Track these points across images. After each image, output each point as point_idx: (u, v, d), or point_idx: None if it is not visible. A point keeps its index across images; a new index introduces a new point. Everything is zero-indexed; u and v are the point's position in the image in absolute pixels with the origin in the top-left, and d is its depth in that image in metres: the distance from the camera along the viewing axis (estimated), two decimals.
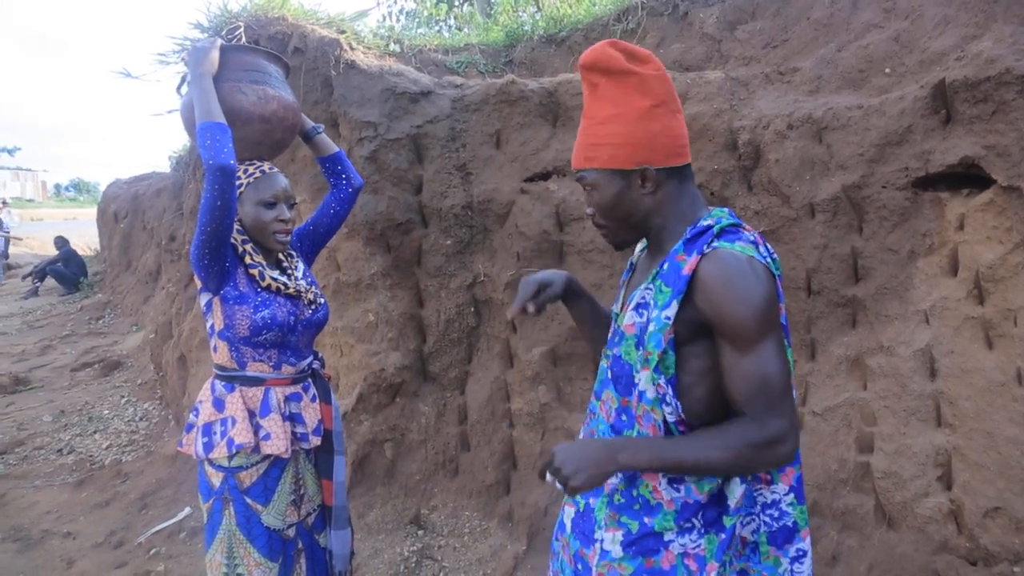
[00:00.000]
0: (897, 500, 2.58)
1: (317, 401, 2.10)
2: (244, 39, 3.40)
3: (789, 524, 1.46)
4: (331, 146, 2.28)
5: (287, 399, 2.01)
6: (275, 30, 3.53)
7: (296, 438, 2.01)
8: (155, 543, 3.65)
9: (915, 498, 2.54)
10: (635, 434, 1.46)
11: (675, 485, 1.42)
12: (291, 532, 2.03)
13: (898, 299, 2.71)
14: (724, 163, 3.07)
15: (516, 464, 3.56)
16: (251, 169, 2.01)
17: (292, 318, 1.99)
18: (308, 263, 2.26)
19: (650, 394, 1.43)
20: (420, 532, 3.45)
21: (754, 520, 1.48)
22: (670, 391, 1.40)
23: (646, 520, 1.44)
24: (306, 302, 2.05)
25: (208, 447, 1.92)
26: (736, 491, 1.41)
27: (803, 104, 2.94)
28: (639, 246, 1.69)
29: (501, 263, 3.50)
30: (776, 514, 1.46)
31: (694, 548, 1.41)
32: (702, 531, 1.41)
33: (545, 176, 3.48)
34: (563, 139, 3.47)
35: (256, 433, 1.92)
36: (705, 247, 1.37)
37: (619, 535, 1.46)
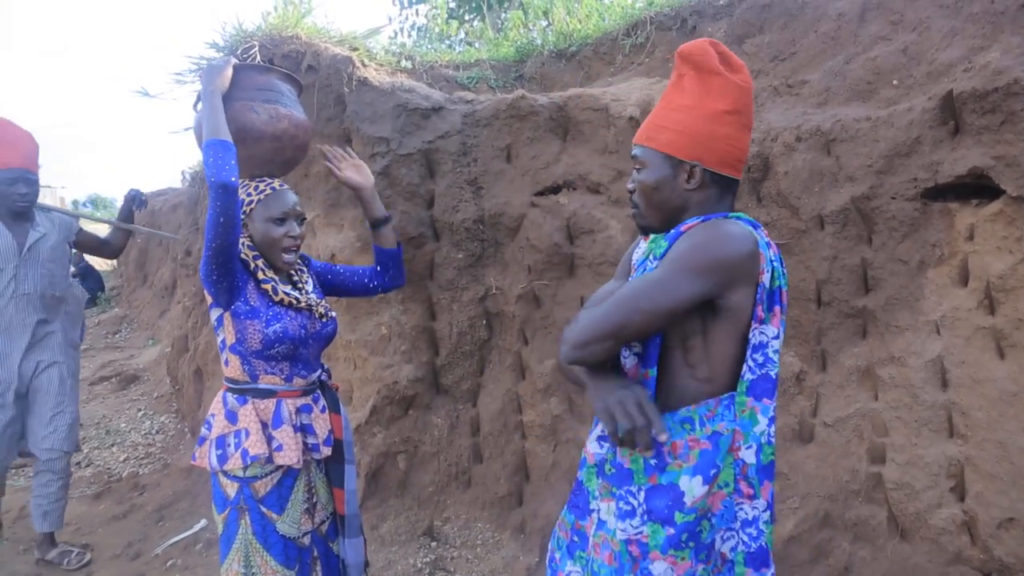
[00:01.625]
0: (910, 511, 2.58)
1: (327, 412, 2.13)
2: (259, 58, 3.46)
3: (763, 545, 1.44)
4: (392, 241, 2.31)
5: (298, 410, 2.04)
6: (289, 48, 3.59)
7: (307, 448, 2.04)
8: (172, 555, 3.69)
9: (928, 509, 2.54)
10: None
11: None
12: (306, 540, 2.06)
13: (908, 310, 2.71)
14: None
15: (528, 476, 3.57)
16: (261, 186, 2.05)
17: (303, 331, 2.02)
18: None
19: (636, 350, 1.49)
20: (433, 544, 3.47)
21: (733, 536, 1.45)
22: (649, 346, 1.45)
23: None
24: (317, 315, 2.08)
25: (223, 459, 1.95)
26: (695, 488, 1.38)
27: (811, 116, 2.95)
28: (640, 251, 1.72)
29: (512, 276, 3.53)
30: (755, 533, 1.43)
31: (636, 534, 1.40)
32: (644, 518, 1.40)
33: (556, 190, 3.51)
34: (573, 153, 3.50)
35: (269, 444, 1.95)
36: (714, 217, 1.43)
37: (612, 505, 1.47)
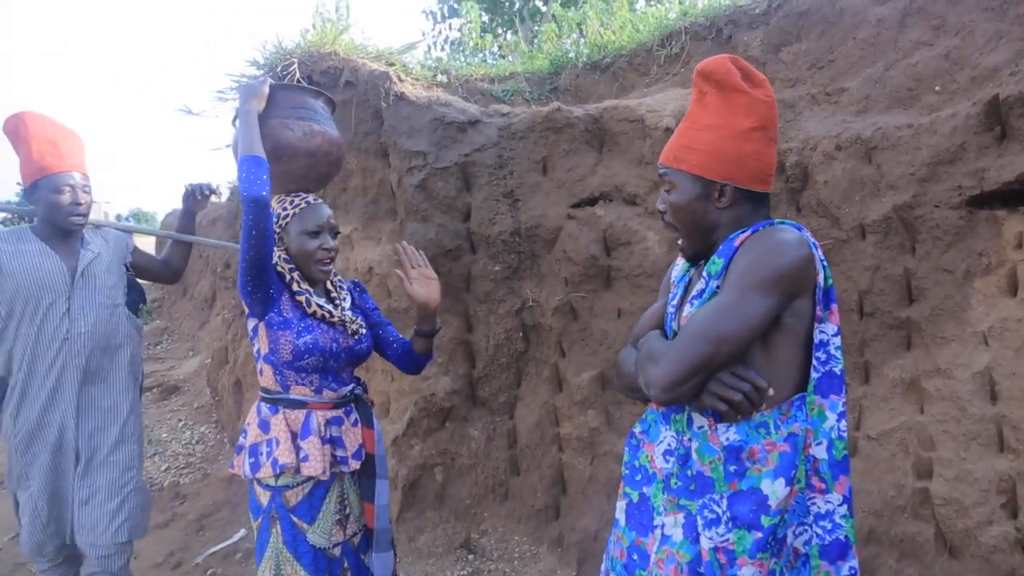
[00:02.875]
0: (959, 528, 2.51)
1: (359, 425, 2.14)
2: (298, 74, 3.53)
3: (842, 538, 1.44)
4: (426, 350, 2.29)
5: (328, 423, 2.05)
6: (327, 65, 3.65)
7: (336, 461, 2.05)
8: (212, 564, 3.73)
9: (978, 526, 2.47)
10: (684, 417, 1.50)
11: (701, 454, 1.44)
12: (337, 551, 2.07)
13: (954, 320, 2.65)
14: (772, 185, 3.06)
15: (566, 488, 3.56)
16: (296, 200, 2.09)
17: (335, 345, 2.05)
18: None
19: None
20: (470, 556, 3.47)
21: (807, 531, 1.46)
22: None
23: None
24: (349, 332, 2.11)
25: (255, 467, 1.98)
26: (778, 490, 1.38)
27: (851, 124, 2.92)
28: (678, 268, 1.72)
29: (549, 288, 3.53)
30: (829, 526, 1.44)
31: (722, 541, 1.39)
32: (729, 524, 1.39)
33: (592, 201, 3.51)
34: (609, 164, 3.49)
35: (297, 454, 1.97)
36: (762, 227, 1.43)
37: (680, 517, 1.47)
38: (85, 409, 2.64)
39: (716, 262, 1.44)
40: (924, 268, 2.72)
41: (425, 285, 2.20)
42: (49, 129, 2.63)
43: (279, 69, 3.55)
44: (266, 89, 2.06)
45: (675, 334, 1.53)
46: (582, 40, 5.02)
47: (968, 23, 2.78)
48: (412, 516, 3.61)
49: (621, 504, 1.62)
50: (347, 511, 2.11)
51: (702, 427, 1.44)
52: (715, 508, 1.40)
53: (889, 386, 2.81)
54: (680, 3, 4.61)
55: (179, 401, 6.84)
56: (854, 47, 3.14)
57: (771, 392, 1.34)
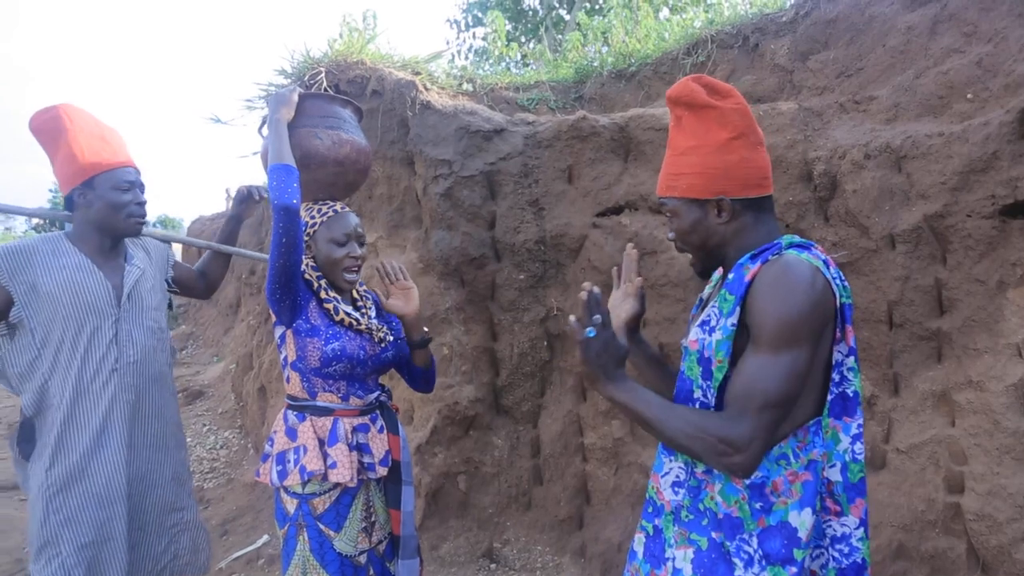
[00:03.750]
0: (992, 544, 2.47)
1: (384, 432, 2.15)
2: (325, 83, 3.56)
3: (859, 561, 1.43)
4: (424, 361, 2.28)
5: (355, 429, 2.06)
6: (354, 74, 3.68)
7: (363, 467, 2.05)
8: (235, 569, 3.76)
9: (1012, 543, 2.42)
10: None
11: (726, 495, 1.42)
12: (363, 559, 2.07)
13: (987, 332, 2.61)
14: (799, 195, 3.04)
15: (589, 499, 3.54)
16: (324, 208, 2.11)
17: (362, 352, 2.06)
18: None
19: (704, 401, 1.46)
20: (493, 566, 3.46)
21: (823, 554, 1.45)
22: (712, 398, 1.43)
23: (714, 535, 1.43)
24: (376, 340, 2.12)
25: (282, 475, 1.99)
26: (806, 521, 1.37)
27: (880, 133, 2.89)
28: (711, 280, 1.71)
29: (574, 297, 3.52)
30: (846, 550, 1.43)
31: None
32: (763, 563, 1.37)
33: (617, 210, 3.50)
34: (635, 173, 3.48)
35: (325, 461, 1.98)
36: (771, 255, 1.40)
37: (690, 552, 1.46)
38: (135, 450, 2.27)
39: (728, 299, 1.41)
40: (956, 278, 2.68)
41: (404, 296, 2.19)
42: (92, 123, 2.30)
43: (307, 78, 3.59)
44: (295, 98, 2.08)
45: (685, 349, 1.54)
46: (607, 49, 5.02)
47: (1001, 30, 2.75)
48: (435, 524, 3.60)
49: (639, 537, 1.61)
50: (373, 518, 2.12)
51: None
52: (747, 548, 1.39)
53: (919, 398, 2.77)
54: (706, 11, 4.60)
55: (203, 406, 6.91)
56: (883, 55, 3.11)
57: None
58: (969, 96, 2.76)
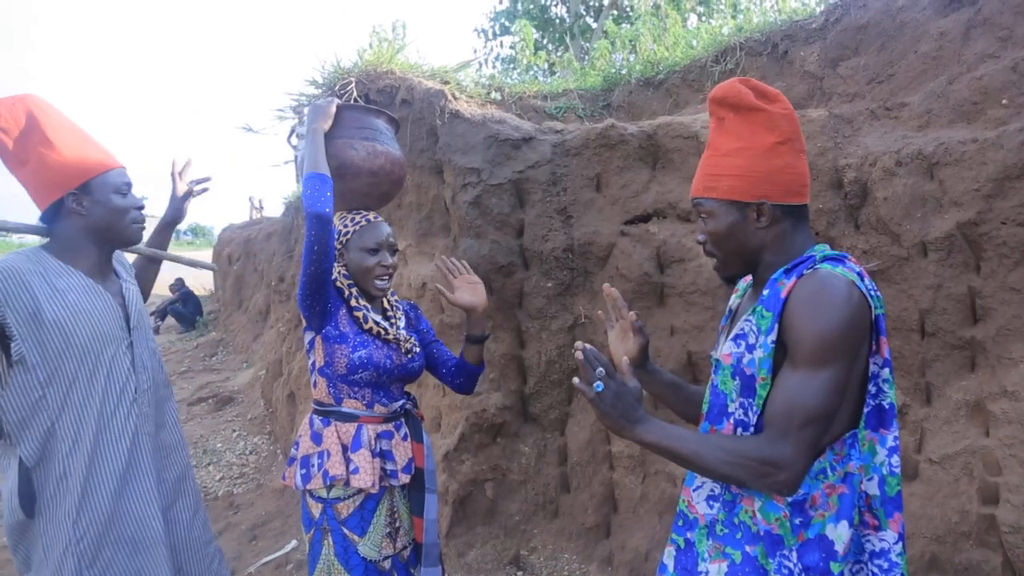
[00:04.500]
0: None
1: (408, 440, 2.17)
2: (355, 93, 3.60)
3: None
4: (477, 359, 2.31)
5: (378, 436, 2.08)
6: (384, 84, 3.72)
7: (386, 474, 2.07)
8: (264, 574, 3.79)
9: None
10: None
11: (766, 513, 1.41)
12: (387, 564, 2.09)
13: (1022, 341, 2.56)
14: (829, 202, 3.01)
15: (616, 507, 3.53)
16: (357, 218, 2.15)
17: (388, 361, 2.08)
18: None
19: (740, 417, 1.45)
20: (520, 573, 3.45)
21: (863, 569, 1.43)
22: (753, 416, 1.41)
23: (748, 549, 1.43)
24: (403, 350, 2.14)
25: (306, 478, 2.02)
26: (843, 534, 1.36)
27: (912, 140, 2.86)
28: (738, 290, 1.70)
29: (602, 305, 3.51)
30: (885, 565, 1.41)
31: None
32: None
33: (645, 218, 3.49)
34: (663, 181, 3.48)
35: (347, 466, 2.00)
36: (806, 270, 1.39)
37: (724, 566, 1.45)
38: (163, 484, 2.07)
39: (765, 315, 1.40)
40: (990, 287, 2.64)
41: (470, 291, 2.23)
42: (65, 118, 1.98)
43: (337, 88, 3.63)
44: (333, 109, 2.12)
45: (716, 362, 1.53)
46: (635, 56, 5.02)
47: None
48: (462, 531, 3.61)
49: (670, 550, 1.60)
50: (397, 524, 2.14)
51: None
52: (787, 564, 1.39)
53: (952, 408, 2.73)
54: (734, 18, 4.59)
55: (233, 412, 6.99)
56: (915, 61, 3.08)
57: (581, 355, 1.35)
58: (1004, 102, 2.72)
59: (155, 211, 2.38)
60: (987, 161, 2.61)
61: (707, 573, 1.47)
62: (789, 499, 1.37)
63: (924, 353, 2.80)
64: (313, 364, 2.10)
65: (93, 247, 1.97)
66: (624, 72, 4.54)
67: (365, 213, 2.17)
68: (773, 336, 1.38)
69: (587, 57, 5.59)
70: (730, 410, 1.47)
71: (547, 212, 3.56)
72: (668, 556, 1.59)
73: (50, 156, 1.88)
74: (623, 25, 6.60)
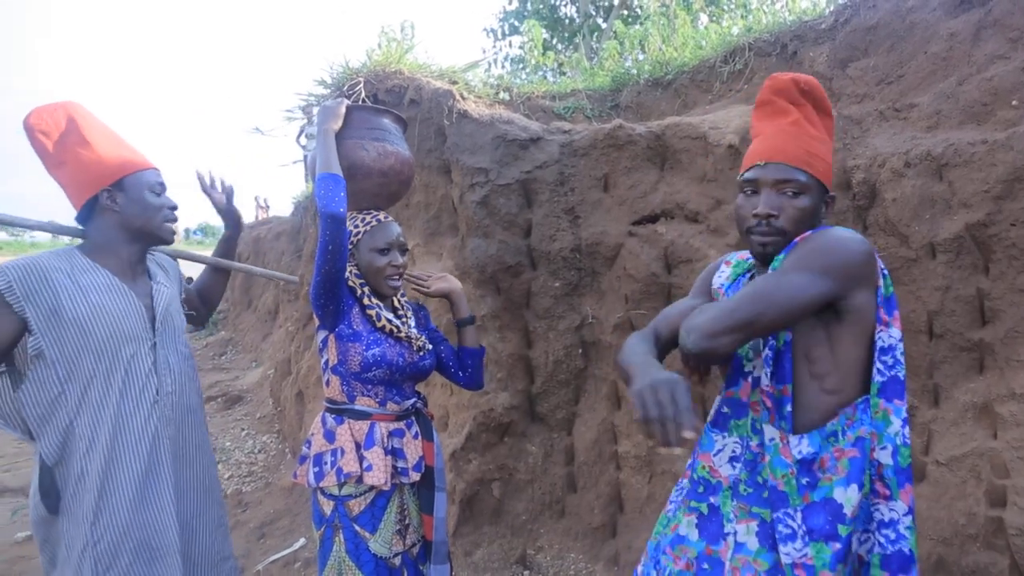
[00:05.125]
0: None
1: (419, 438, 2.18)
2: (364, 93, 3.61)
3: (906, 551, 1.41)
4: (474, 341, 2.36)
5: (390, 434, 2.10)
6: (392, 84, 3.73)
7: (397, 472, 2.09)
8: (272, 572, 3.81)
9: None
10: (748, 422, 1.51)
11: (774, 468, 1.43)
12: (397, 561, 2.10)
13: None
14: (838, 203, 3.00)
15: (623, 507, 3.53)
16: (368, 218, 2.16)
17: (400, 359, 2.10)
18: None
19: (758, 373, 1.49)
20: (526, 573, 3.46)
21: (870, 538, 1.44)
22: (770, 354, 1.45)
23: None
24: (415, 348, 2.16)
25: (319, 476, 2.04)
26: (852, 497, 1.37)
27: (921, 141, 2.85)
28: (724, 275, 1.76)
29: (609, 305, 3.52)
30: (893, 536, 1.42)
31: (800, 557, 1.37)
32: (806, 539, 1.37)
33: (653, 219, 3.49)
34: (671, 182, 3.48)
35: (360, 463, 2.02)
36: (822, 228, 1.48)
37: (753, 525, 1.46)
38: (181, 494, 2.03)
39: (779, 259, 1.46)
40: (999, 288, 2.63)
41: (441, 280, 2.35)
42: (100, 122, 2.06)
43: (346, 88, 3.65)
44: (343, 110, 2.13)
45: None
46: (643, 57, 5.02)
47: None
48: (469, 531, 3.62)
49: (689, 519, 1.58)
50: (407, 522, 2.15)
51: (773, 439, 1.43)
52: (790, 523, 1.39)
53: (960, 410, 2.72)
54: (743, 19, 4.58)
55: (242, 411, 7.02)
56: (925, 62, 3.07)
57: (690, 436, 1.17)
58: (1014, 103, 2.71)
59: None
60: (996, 162, 2.60)
61: (735, 533, 1.48)
62: (797, 456, 1.38)
63: (932, 355, 2.79)
64: (326, 362, 2.12)
65: (125, 245, 2.01)
66: (633, 72, 4.54)
67: (375, 213, 2.19)
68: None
69: (596, 57, 5.59)
70: (747, 369, 1.50)
71: (555, 212, 3.57)
72: (688, 525, 1.57)
73: (86, 155, 1.95)
74: (632, 25, 6.60)
